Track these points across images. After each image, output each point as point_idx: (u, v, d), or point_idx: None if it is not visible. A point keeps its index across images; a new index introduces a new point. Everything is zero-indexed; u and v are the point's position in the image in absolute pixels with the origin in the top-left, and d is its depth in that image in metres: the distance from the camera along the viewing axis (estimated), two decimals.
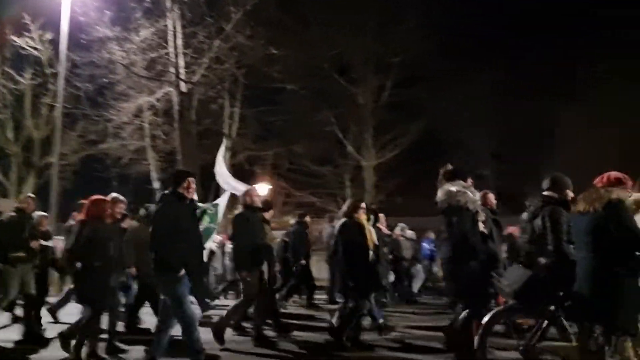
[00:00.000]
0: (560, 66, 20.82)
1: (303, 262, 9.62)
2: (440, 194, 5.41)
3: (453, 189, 5.29)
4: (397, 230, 11.12)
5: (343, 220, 6.18)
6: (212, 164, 9.33)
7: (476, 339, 4.38)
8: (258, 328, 6.50)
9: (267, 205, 7.29)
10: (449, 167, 5.63)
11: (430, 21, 19.27)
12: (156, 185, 18.37)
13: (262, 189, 17.74)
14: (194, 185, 5.00)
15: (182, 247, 4.70)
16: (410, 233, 11.77)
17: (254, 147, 20.97)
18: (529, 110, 21.77)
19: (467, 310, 4.96)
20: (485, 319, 4.43)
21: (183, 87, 15.87)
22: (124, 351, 5.85)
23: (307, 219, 10.27)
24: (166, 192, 5.01)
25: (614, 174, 4.12)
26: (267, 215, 7.14)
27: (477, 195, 5.38)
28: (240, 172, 17.64)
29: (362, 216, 6.20)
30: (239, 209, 6.77)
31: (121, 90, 16.75)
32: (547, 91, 21.29)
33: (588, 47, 18.87)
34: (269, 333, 6.84)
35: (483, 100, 22.11)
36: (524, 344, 4.23)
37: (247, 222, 6.40)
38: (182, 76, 15.76)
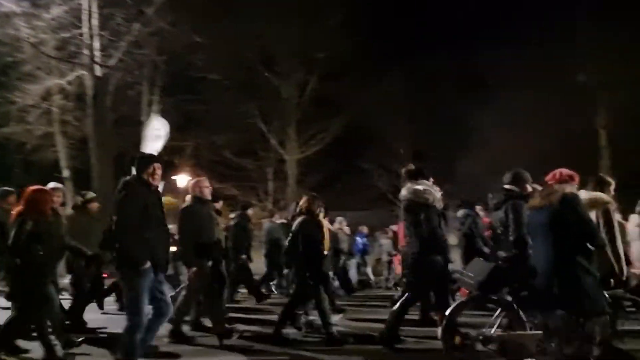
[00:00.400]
0: (477, 69, 21.91)
1: (244, 256, 9.25)
2: (405, 192, 5.59)
3: (419, 187, 5.50)
4: (337, 224, 11.25)
5: (303, 217, 6.09)
6: (128, 152, 9.06)
7: (440, 330, 4.51)
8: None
9: (217, 196, 6.89)
10: (412, 166, 5.83)
11: (355, 19, 19.61)
12: (66, 173, 17.28)
13: (182, 180, 17.26)
14: (159, 172, 4.62)
15: (147, 238, 4.32)
16: (346, 227, 11.98)
17: (173, 136, 20.30)
18: (448, 111, 22.81)
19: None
20: (449, 310, 4.52)
21: (98, 70, 15.00)
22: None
23: (250, 211, 9.78)
24: (128, 178, 4.54)
25: (565, 171, 4.33)
26: (217, 205, 6.80)
27: (439, 194, 5.60)
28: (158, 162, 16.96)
29: (320, 212, 6.24)
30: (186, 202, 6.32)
31: (28, 70, 15.60)
32: (466, 93, 22.37)
33: (503, 51, 20.01)
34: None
35: (403, 99, 22.90)
36: (484, 334, 4.37)
37: (195, 215, 6.01)
38: (97, 59, 14.89)
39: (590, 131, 21.44)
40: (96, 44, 14.83)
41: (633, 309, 4.85)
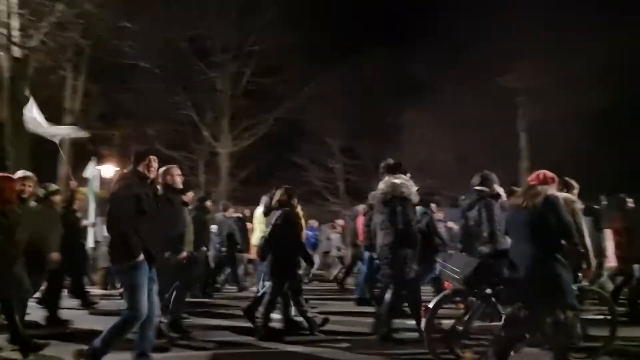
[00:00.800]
0: (409, 70, 22.55)
1: (204, 249, 8.80)
2: (383, 186, 5.73)
3: (397, 181, 5.66)
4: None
5: (285, 209, 6.07)
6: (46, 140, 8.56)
7: (424, 321, 4.59)
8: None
9: (188, 186, 6.46)
10: (391, 161, 5.96)
11: (292, 14, 19.58)
12: None
13: (108, 170, 16.55)
14: (155, 164, 4.60)
15: (143, 231, 4.25)
16: None
17: (99, 125, 19.39)
18: (380, 110, 23.34)
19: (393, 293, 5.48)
20: (433, 302, 4.64)
21: (16, 52, 14.01)
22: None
23: (208, 203, 9.20)
24: (124, 171, 4.51)
25: (547, 173, 4.45)
26: (187, 198, 6.35)
27: (415, 189, 5.78)
28: (82, 151, 16.18)
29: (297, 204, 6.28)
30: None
31: None
32: (397, 93, 22.98)
33: (435, 53, 20.68)
34: None
35: (337, 96, 23.19)
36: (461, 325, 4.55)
37: (170, 204, 5.63)
38: (16, 39, 13.93)
39: (511, 133, 22.65)
40: (14, 23, 13.83)
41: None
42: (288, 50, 19.96)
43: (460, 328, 4.53)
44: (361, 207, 8.67)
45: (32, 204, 6.17)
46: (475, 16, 19.67)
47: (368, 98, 23.47)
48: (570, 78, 20.04)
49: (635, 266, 7.32)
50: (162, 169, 5.94)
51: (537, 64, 20.43)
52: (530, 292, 4.07)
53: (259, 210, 8.25)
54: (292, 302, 6.23)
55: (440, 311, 4.62)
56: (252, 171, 21.65)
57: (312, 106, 22.41)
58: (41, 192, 6.50)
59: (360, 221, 8.47)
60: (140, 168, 4.50)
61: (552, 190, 4.31)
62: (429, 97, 21.83)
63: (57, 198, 6.77)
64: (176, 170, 5.96)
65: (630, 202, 7.66)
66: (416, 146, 21.92)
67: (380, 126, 23.35)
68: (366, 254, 8.14)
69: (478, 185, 5.40)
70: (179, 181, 5.90)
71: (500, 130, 22.50)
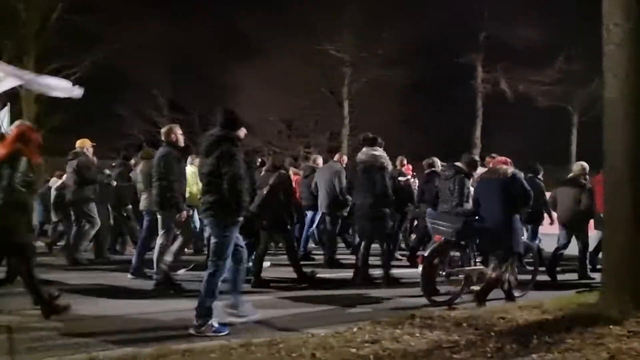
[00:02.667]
0: (241, 29, 22.19)
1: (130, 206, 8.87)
2: (364, 157, 6.79)
3: (377, 152, 6.76)
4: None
5: (280, 171, 6.79)
6: None
7: (421, 270, 5.72)
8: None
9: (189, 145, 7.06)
10: (369, 134, 7.06)
11: None
12: None
13: None
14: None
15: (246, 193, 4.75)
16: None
17: None
18: (211, 67, 22.63)
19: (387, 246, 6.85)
20: (428, 252, 5.89)
21: None
22: None
23: (133, 161, 8.94)
24: (222, 134, 4.64)
25: (505, 158, 5.92)
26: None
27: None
28: None
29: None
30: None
31: None
32: (229, 51, 22.49)
33: (267, 14, 20.62)
34: None
35: (165, 47, 21.91)
36: (447, 271, 5.75)
37: (178, 161, 6.30)
38: None
39: (336, 101, 23.90)
40: None
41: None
42: None
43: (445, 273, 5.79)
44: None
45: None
46: None
47: (198, 53, 22.56)
48: (389, 52, 21.80)
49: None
50: (165, 128, 6.61)
51: (362, 36, 21.68)
52: (498, 243, 5.29)
53: (191, 169, 8.23)
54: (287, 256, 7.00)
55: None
56: (64, 119, 19.38)
57: (137, 54, 20.76)
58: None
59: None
60: (171, 139, 6.16)
61: (512, 168, 5.72)
62: (260, 59, 21.84)
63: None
64: (178, 129, 6.48)
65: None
66: (245, 106, 21.88)
67: (211, 83, 22.73)
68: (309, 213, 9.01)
69: (463, 163, 6.56)
70: (181, 140, 6.40)
71: (326, 97, 23.63)
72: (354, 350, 3.55)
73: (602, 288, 4.72)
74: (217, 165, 4.50)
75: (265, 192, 6.58)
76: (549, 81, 23.82)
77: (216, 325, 4.34)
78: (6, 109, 7.64)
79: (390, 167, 6.95)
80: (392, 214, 6.87)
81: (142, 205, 7.29)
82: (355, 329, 4.10)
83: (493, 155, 7.72)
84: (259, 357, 3.40)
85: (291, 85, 21.94)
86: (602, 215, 6.13)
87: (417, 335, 3.90)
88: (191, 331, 4.29)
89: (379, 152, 6.79)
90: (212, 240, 4.64)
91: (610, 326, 3.90)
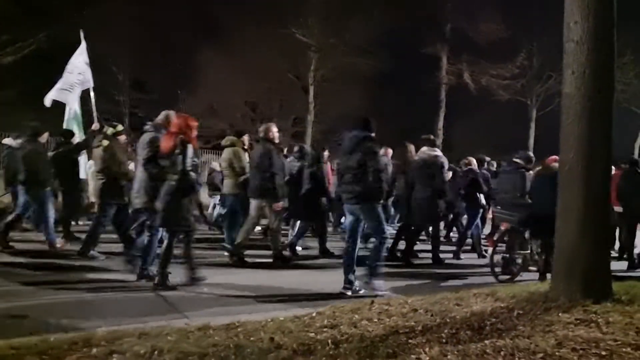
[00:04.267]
0: (208, 9, 21.70)
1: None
2: (425, 155, 7.85)
3: (436, 153, 7.91)
4: None
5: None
6: None
7: (490, 252, 6.89)
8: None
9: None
10: (430, 136, 8.32)
11: None
12: None
13: None
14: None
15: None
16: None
17: None
18: (174, 44, 22.05)
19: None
20: (496, 237, 7.23)
21: None
22: None
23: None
24: (364, 135, 5.66)
25: (556, 157, 6.26)
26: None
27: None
28: None
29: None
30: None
31: None
32: (194, 30, 21.96)
33: None
34: None
35: (127, 24, 21.20)
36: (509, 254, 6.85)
37: (276, 155, 7.24)
38: None
39: (300, 86, 23.73)
40: None
41: None
42: None
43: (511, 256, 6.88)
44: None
45: (105, 142, 7.05)
46: None
47: (163, 31, 21.91)
48: (356, 40, 21.78)
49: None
50: (263, 126, 7.51)
51: (329, 23, 21.55)
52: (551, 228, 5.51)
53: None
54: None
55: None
56: (15, 93, 18.47)
57: (98, 30, 19.97)
58: (110, 130, 7.22)
59: None
60: (269, 137, 7.24)
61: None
62: (226, 40, 21.44)
63: (122, 138, 7.43)
64: (274, 127, 7.47)
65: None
66: (209, 87, 21.50)
67: (174, 62, 22.18)
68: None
69: (517, 159, 7.54)
70: (276, 136, 7.46)
71: (291, 82, 23.43)
72: (312, 334, 3.57)
73: (552, 276, 4.90)
74: (363, 161, 5.50)
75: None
76: (509, 75, 24.41)
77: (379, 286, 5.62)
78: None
79: (447, 165, 8.14)
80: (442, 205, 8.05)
81: (225, 189, 7.96)
82: (314, 314, 4.12)
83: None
84: (217, 340, 3.38)
85: (256, 68, 21.63)
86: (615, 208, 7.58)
87: (375, 320, 3.95)
88: (360, 291, 5.54)
89: (437, 152, 7.98)
90: (368, 222, 5.69)
91: (560, 314, 4.05)
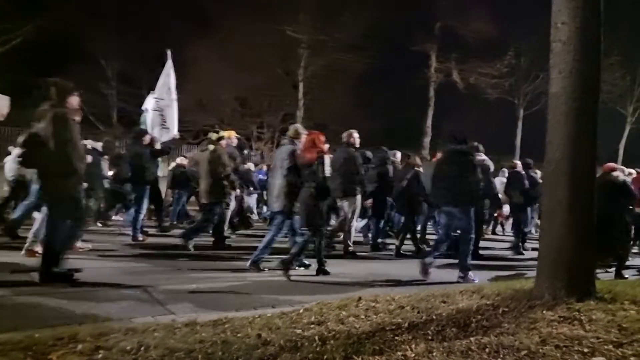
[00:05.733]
0: (197, 1, 21.57)
1: None
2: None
3: (483, 157, 8.27)
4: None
5: (415, 169, 8.96)
6: None
7: None
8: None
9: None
10: (475, 143, 8.35)
11: None
12: None
13: None
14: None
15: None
16: None
17: None
18: (164, 38, 21.82)
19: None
20: None
21: None
22: None
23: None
24: (461, 149, 6.64)
25: (612, 165, 7.24)
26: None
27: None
28: None
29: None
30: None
31: None
32: (183, 23, 21.82)
33: None
34: None
35: (115, 17, 21.03)
36: None
37: (358, 158, 8.21)
38: None
39: (290, 82, 23.66)
40: None
41: None
42: None
43: None
44: None
45: (210, 146, 7.77)
46: None
47: (152, 25, 21.71)
48: (346, 37, 21.77)
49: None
50: (346, 132, 8.38)
51: (320, 19, 21.51)
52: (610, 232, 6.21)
53: None
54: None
55: None
56: (5, 86, 18.22)
57: (86, 22, 19.78)
58: (214, 135, 7.95)
59: None
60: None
61: (622, 175, 7.53)
62: (216, 35, 21.31)
63: (224, 142, 8.22)
64: (356, 133, 8.33)
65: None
66: (198, 82, 21.36)
67: (163, 57, 21.97)
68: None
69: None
70: (357, 141, 8.36)
71: (281, 78, 23.37)
72: (299, 331, 3.58)
73: (537, 274, 4.95)
74: (461, 170, 6.46)
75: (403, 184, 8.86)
76: (498, 74, 24.59)
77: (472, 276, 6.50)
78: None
79: (492, 168, 8.89)
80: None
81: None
82: (301, 310, 4.13)
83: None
84: (204, 337, 3.37)
85: (246, 64, 21.56)
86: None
87: (362, 317, 3.97)
88: (459, 280, 6.40)
89: (483, 157, 8.45)
90: (460, 222, 6.56)
91: (544, 311, 4.10)
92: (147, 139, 9.03)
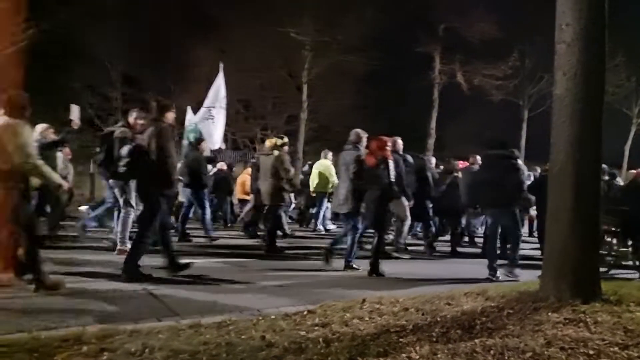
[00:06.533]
0: (202, 6, 21.64)
1: None
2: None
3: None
4: None
5: (454, 174, 9.49)
6: None
7: None
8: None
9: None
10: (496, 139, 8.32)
11: None
12: None
13: None
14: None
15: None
16: None
17: None
18: (169, 43, 21.94)
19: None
20: None
21: None
22: None
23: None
24: (504, 153, 6.98)
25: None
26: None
27: None
28: None
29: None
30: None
31: None
32: (188, 27, 21.87)
33: None
34: None
35: (121, 19, 21.09)
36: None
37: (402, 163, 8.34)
38: None
39: (294, 84, 23.69)
40: None
41: None
42: None
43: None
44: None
45: (275, 152, 8.23)
46: None
47: (156, 27, 21.79)
48: (350, 38, 21.78)
49: None
50: (390, 140, 7.87)
51: (323, 21, 21.51)
52: None
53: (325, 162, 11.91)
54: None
55: None
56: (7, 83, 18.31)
57: (91, 26, 19.87)
58: (278, 141, 8.36)
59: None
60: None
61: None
62: (219, 37, 21.37)
63: (285, 148, 8.53)
64: (399, 142, 8.80)
65: None
66: (202, 83, 21.40)
67: (167, 59, 22.07)
68: None
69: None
70: (401, 147, 8.87)
71: (284, 80, 23.39)
72: (303, 333, 3.58)
73: (542, 276, 4.94)
74: (503, 174, 6.74)
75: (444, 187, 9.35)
76: (502, 76, 24.51)
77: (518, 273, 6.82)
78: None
79: (526, 172, 8.77)
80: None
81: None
82: (305, 312, 4.13)
83: None
84: (208, 338, 3.38)
85: (250, 66, 21.57)
86: None
87: (367, 319, 3.97)
88: (507, 274, 6.82)
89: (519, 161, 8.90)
90: (507, 223, 6.96)
91: (549, 313, 4.09)
92: (203, 147, 9.58)
